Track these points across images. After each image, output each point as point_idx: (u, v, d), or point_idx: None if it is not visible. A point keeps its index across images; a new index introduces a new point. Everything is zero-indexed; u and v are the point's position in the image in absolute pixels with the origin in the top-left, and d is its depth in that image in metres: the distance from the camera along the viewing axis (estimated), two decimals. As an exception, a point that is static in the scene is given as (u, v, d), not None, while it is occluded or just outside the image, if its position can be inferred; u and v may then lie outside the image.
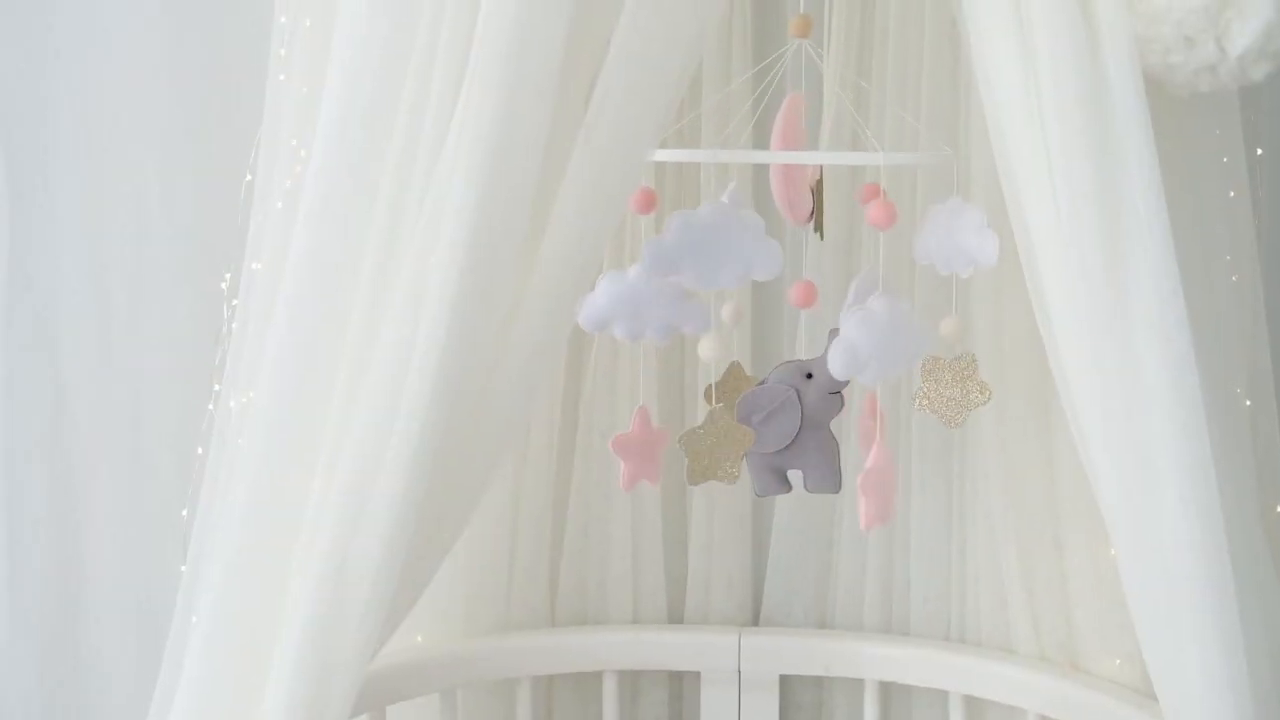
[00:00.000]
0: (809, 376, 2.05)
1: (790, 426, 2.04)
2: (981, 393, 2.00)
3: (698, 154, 2.01)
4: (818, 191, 2.03)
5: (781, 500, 2.42)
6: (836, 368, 1.94)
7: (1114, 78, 1.71)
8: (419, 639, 2.30)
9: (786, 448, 2.05)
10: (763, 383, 2.08)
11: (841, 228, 2.34)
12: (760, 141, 2.26)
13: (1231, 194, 2.02)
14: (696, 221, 1.92)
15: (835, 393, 2.04)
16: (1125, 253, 1.71)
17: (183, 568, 2.08)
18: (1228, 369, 2.02)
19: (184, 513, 2.11)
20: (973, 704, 2.31)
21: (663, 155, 1.99)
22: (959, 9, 1.83)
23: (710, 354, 2.00)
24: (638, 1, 1.80)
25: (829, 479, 2.07)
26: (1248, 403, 2.06)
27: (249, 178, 2.09)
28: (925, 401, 2.00)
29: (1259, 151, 2.08)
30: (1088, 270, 1.72)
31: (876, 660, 2.35)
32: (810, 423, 2.05)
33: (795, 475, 2.10)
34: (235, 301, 2.08)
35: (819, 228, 2.03)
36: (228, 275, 2.13)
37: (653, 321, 2.00)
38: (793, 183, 2.01)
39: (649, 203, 2.03)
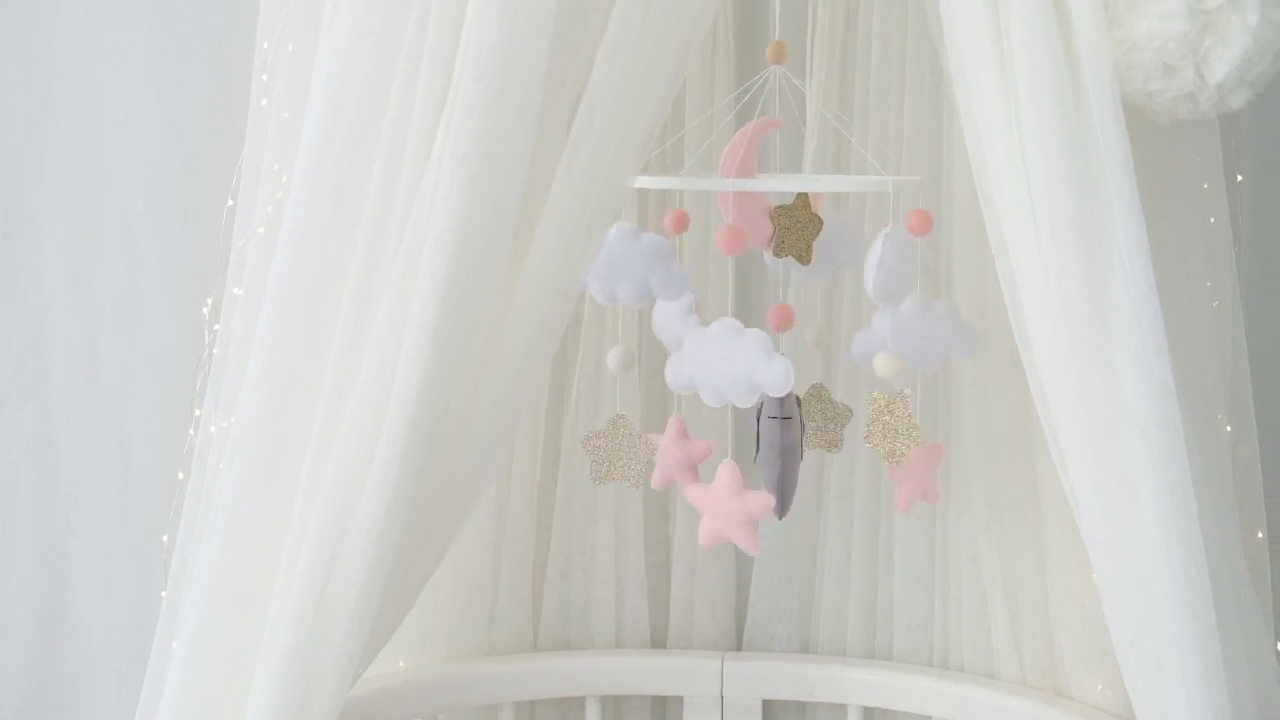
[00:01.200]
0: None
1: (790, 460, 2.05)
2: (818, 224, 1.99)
3: (675, 181, 2.01)
4: (778, 217, 2.01)
5: (764, 525, 2.41)
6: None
7: (1094, 105, 1.72)
8: (402, 664, 2.29)
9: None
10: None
11: (823, 254, 2.33)
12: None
13: (1212, 220, 2.03)
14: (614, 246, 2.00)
15: (775, 418, 2.04)
16: (1105, 280, 1.72)
17: (163, 593, 2.07)
18: (1208, 394, 2.02)
19: (165, 538, 2.11)
20: (956, 729, 2.31)
21: (643, 182, 1.99)
22: (940, 36, 1.83)
23: (616, 365, 2.08)
24: (621, 25, 1.81)
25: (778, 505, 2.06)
26: (1228, 428, 2.06)
27: (231, 202, 2.09)
28: (785, 246, 1.98)
29: (1239, 178, 2.09)
30: (1068, 297, 1.72)
31: (859, 685, 2.35)
32: (766, 445, 2.05)
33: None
34: (217, 326, 2.08)
35: (788, 253, 2.01)
36: (209, 300, 2.13)
37: (625, 282, 2.02)
38: (741, 208, 2.01)
39: (682, 223, 2.04)
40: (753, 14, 2.37)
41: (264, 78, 2.04)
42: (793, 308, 1.96)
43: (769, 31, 2.09)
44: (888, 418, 2.01)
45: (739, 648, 2.48)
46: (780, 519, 2.07)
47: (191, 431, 2.10)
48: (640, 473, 2.07)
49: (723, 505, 1.99)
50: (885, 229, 1.96)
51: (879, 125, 2.27)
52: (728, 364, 1.93)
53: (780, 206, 1.98)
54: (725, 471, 1.99)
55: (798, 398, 2.05)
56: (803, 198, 1.97)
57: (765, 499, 1.99)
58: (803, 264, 1.99)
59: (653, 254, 2.00)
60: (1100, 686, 2.17)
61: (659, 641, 2.48)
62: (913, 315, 2.02)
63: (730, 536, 2.00)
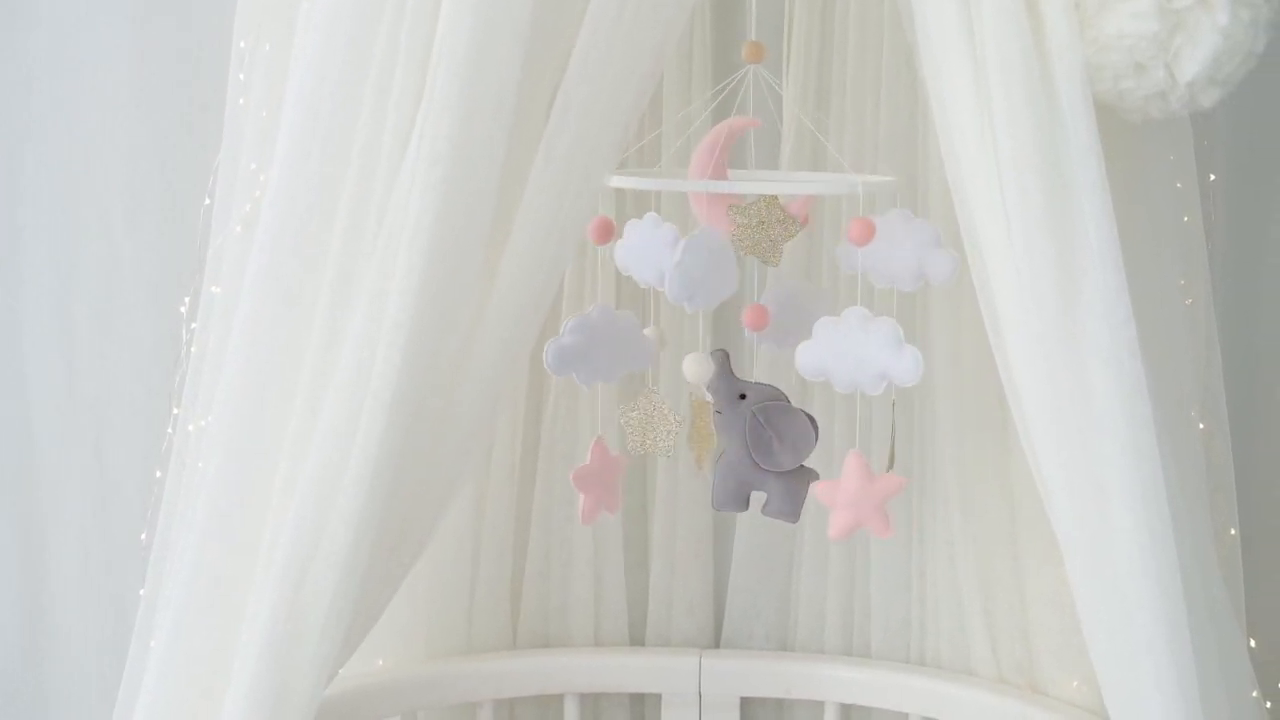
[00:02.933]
0: (742, 397, 2.05)
1: (806, 441, 2.04)
2: (789, 225, 1.98)
3: (650, 181, 2.02)
4: (735, 215, 2.00)
5: (742, 523, 2.43)
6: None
7: (1065, 104, 1.73)
8: (380, 662, 2.29)
9: (761, 468, 2.05)
10: (718, 412, 2.07)
11: (800, 251, 2.34)
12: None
13: (1185, 219, 2.04)
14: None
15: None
16: (1077, 280, 1.73)
17: (142, 591, 2.08)
18: (1181, 392, 2.03)
19: (143, 536, 2.11)
20: (932, 726, 2.31)
21: (618, 181, 1.99)
22: (913, 36, 1.84)
23: (693, 374, 2.05)
24: (596, 22, 1.81)
25: (789, 509, 2.07)
26: (1201, 425, 2.07)
27: (208, 201, 2.10)
28: (744, 245, 1.97)
29: (1212, 177, 2.10)
30: (1040, 297, 1.73)
31: (837, 682, 2.35)
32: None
33: (758, 496, 2.10)
34: (194, 324, 2.08)
35: (750, 252, 1.98)
36: (187, 298, 2.13)
37: (605, 364, 2.07)
38: (706, 205, 2.01)
39: (607, 232, 2.03)
40: (730, 13, 2.37)
41: (241, 76, 2.05)
42: (767, 308, 1.97)
43: (746, 31, 2.10)
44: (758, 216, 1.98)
45: (717, 645, 2.48)
46: (794, 522, 2.09)
47: (170, 430, 2.10)
48: (671, 444, 2.08)
49: (855, 494, 1.99)
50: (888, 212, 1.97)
51: (855, 124, 2.28)
52: (858, 352, 1.93)
53: (736, 207, 1.98)
54: (853, 461, 1.99)
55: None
56: (770, 197, 1.97)
57: (896, 480, 2.00)
58: (769, 264, 1.99)
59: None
60: (1076, 683, 2.18)
61: (637, 639, 2.48)
62: (853, 326, 1.96)
63: (866, 523, 2.00)
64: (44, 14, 2.51)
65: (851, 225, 1.92)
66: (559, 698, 2.41)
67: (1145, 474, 1.73)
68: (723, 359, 2.06)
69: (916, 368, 1.91)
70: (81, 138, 2.55)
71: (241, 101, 2.05)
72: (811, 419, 2.06)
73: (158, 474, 2.11)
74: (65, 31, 2.52)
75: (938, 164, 2.09)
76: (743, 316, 1.97)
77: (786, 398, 2.06)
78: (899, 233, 1.96)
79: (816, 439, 2.05)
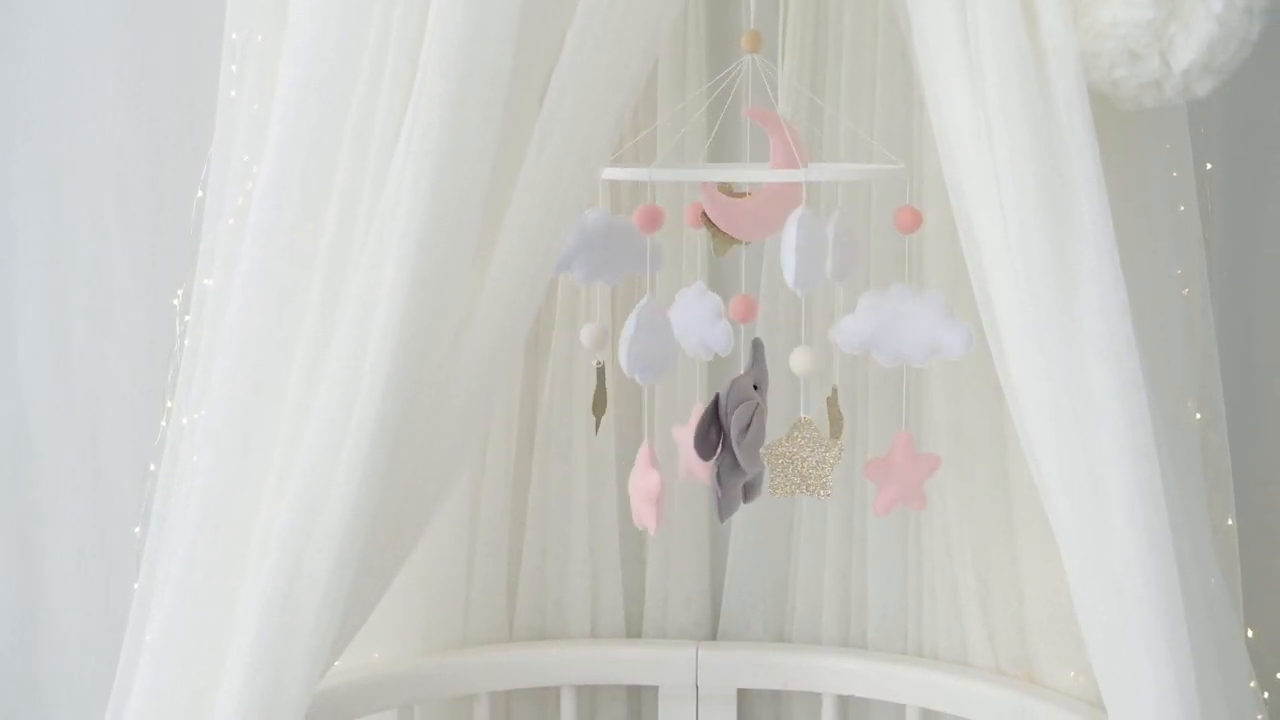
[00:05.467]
0: (755, 388, 2.04)
1: (761, 437, 2.04)
2: (834, 451, 2.01)
3: (642, 172, 2.01)
4: (705, 217, 2.02)
5: (739, 515, 2.42)
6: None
7: (1059, 93, 1.72)
8: (376, 655, 2.29)
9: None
10: (714, 402, 2.07)
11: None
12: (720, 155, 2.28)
13: (1181, 209, 2.04)
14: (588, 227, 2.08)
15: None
16: (1073, 270, 1.72)
17: (135, 585, 2.07)
18: (1178, 384, 2.02)
19: (137, 530, 2.11)
20: (929, 717, 2.31)
21: (611, 174, 1.99)
22: (908, 26, 1.83)
23: (588, 342, 2.10)
24: (589, 12, 1.80)
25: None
26: (1198, 416, 2.07)
27: (200, 194, 2.09)
28: (781, 487, 2.00)
29: (1208, 166, 2.09)
30: (1035, 288, 1.73)
31: (834, 674, 2.35)
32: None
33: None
34: (188, 317, 2.07)
35: (803, 490, 2.03)
36: (180, 291, 2.13)
37: (609, 264, 2.07)
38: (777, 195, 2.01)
39: (655, 220, 1.98)
40: (724, 3, 2.37)
41: (233, 69, 2.04)
42: (753, 298, 1.96)
43: (741, 21, 2.09)
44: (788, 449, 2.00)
45: (714, 637, 2.48)
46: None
47: (163, 423, 2.09)
48: (827, 480, 2.02)
49: (900, 473, 2.02)
50: (797, 211, 1.91)
51: (850, 115, 2.27)
52: (906, 324, 1.93)
53: (769, 449, 2.01)
54: (902, 440, 2.01)
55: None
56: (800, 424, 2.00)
57: (934, 459, 2.04)
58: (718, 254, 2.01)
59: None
60: (1073, 674, 2.17)
61: (634, 631, 2.48)
62: (902, 299, 1.98)
63: (908, 501, 2.04)
64: (34, 7, 2.51)
65: (899, 214, 1.92)
66: (555, 690, 2.41)
67: (1142, 466, 1.72)
68: (758, 348, 2.05)
69: (968, 340, 1.91)
70: (73, 133, 2.55)
71: (234, 94, 2.04)
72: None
73: (151, 467, 2.10)
74: (55, 24, 2.51)
75: (933, 155, 2.08)
76: (730, 308, 1.97)
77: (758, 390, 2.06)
78: (906, 306, 1.95)
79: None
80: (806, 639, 2.43)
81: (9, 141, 2.56)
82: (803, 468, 2.01)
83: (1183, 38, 1.73)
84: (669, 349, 1.97)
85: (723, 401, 2.00)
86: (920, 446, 2.27)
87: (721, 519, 2.07)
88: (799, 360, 1.99)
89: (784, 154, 1.96)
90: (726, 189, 2.07)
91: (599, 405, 2.17)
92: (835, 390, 2.07)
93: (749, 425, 1.99)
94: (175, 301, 2.14)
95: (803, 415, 2.02)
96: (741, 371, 2.03)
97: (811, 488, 2.02)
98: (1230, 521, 2.11)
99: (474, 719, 2.35)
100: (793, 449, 2.02)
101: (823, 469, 2.01)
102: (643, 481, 2.01)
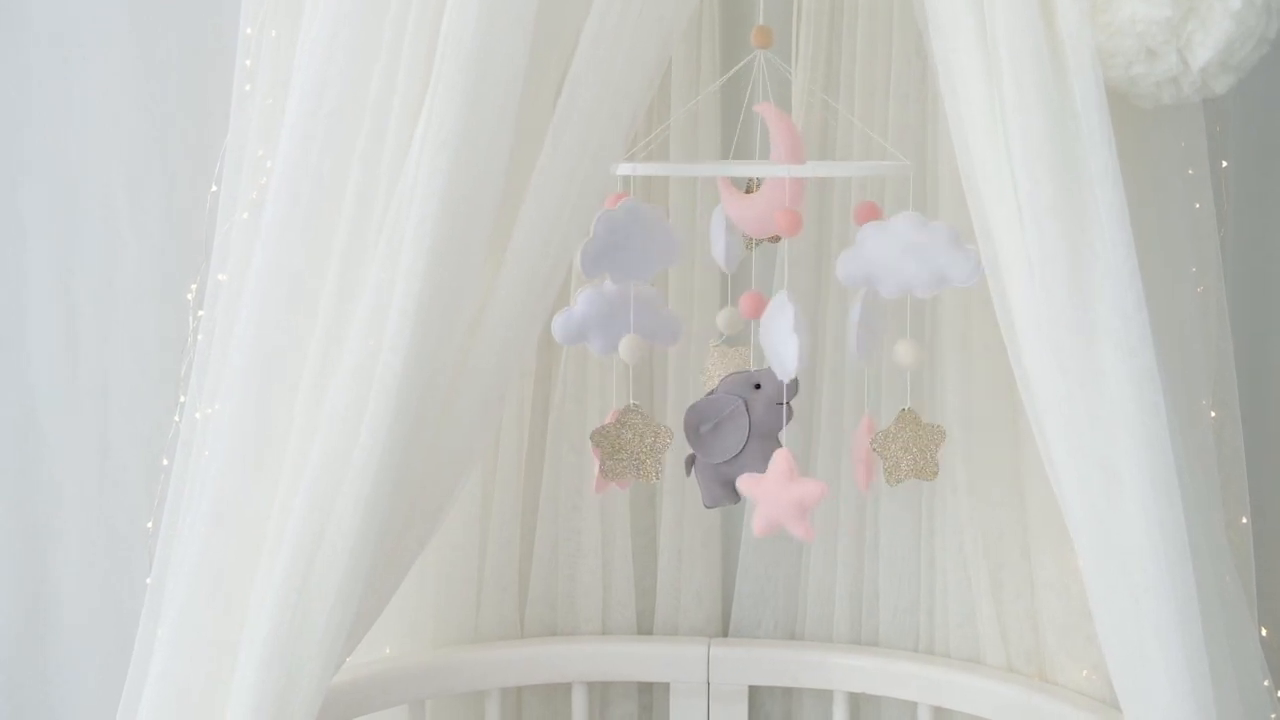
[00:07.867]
0: (757, 387, 2.04)
1: (738, 437, 2.03)
2: (663, 437, 2.03)
3: (657, 167, 2.01)
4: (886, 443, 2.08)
5: (750, 512, 2.42)
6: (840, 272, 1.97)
7: (1076, 90, 1.72)
8: (388, 650, 2.29)
9: (735, 458, 2.04)
10: (712, 394, 2.07)
11: (810, 241, 2.34)
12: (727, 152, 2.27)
13: (1197, 206, 2.03)
14: (616, 223, 2.01)
15: (783, 404, 2.04)
16: (1089, 266, 1.72)
17: (148, 580, 2.07)
18: (1193, 380, 2.02)
19: (149, 525, 2.10)
20: (941, 715, 2.31)
21: (626, 169, 1.99)
22: (924, 22, 1.83)
23: (627, 355, 2.06)
24: (604, 8, 1.80)
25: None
26: (1213, 414, 2.06)
27: (214, 188, 2.09)
28: (611, 471, 2.02)
29: (1224, 164, 2.09)
30: (1051, 284, 1.72)
31: (845, 671, 2.35)
32: (758, 433, 2.04)
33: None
34: (201, 312, 2.07)
35: (915, 474, 2.09)
36: (194, 286, 2.13)
37: (625, 332, 2.04)
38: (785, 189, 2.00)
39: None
40: (738, 0, 2.37)
41: (247, 63, 2.04)
42: (762, 295, 1.97)
43: (754, 17, 2.09)
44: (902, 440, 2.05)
45: (725, 634, 2.48)
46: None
47: (176, 418, 2.09)
48: (658, 468, 2.03)
49: (776, 494, 1.97)
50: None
51: (864, 112, 2.27)
52: (913, 255, 1.92)
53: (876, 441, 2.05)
54: (781, 460, 1.97)
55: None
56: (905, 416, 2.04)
57: (818, 486, 1.97)
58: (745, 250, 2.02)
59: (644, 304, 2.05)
60: (1085, 671, 2.17)
61: (645, 628, 2.48)
62: (908, 229, 1.95)
63: (785, 525, 1.98)
64: (46, 2, 2.51)
65: (858, 209, 1.92)
66: (567, 686, 2.40)
67: (1157, 462, 1.71)
68: None
69: (975, 267, 1.89)
70: (84, 126, 2.54)
71: (248, 88, 2.04)
72: (750, 414, 2.05)
73: (164, 462, 2.10)
74: (66, 18, 2.51)
75: (948, 151, 2.09)
76: (739, 305, 1.97)
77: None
78: (910, 236, 1.94)
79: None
80: (818, 636, 2.42)
81: (19, 133, 2.55)
82: (636, 452, 2.03)
83: (1200, 35, 1.72)
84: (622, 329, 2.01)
85: (718, 392, 2.02)
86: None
87: (705, 505, 2.10)
88: (904, 352, 2.01)
89: (784, 148, 1.96)
90: (744, 185, 2.07)
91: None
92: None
93: (721, 421, 2.00)
94: (189, 296, 2.14)
95: (631, 401, 2.03)
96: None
97: (644, 473, 2.03)
98: (1244, 519, 2.11)
99: (485, 715, 2.35)
100: (621, 433, 2.02)
101: (656, 454, 2.02)
102: (792, 492, 1.96)
